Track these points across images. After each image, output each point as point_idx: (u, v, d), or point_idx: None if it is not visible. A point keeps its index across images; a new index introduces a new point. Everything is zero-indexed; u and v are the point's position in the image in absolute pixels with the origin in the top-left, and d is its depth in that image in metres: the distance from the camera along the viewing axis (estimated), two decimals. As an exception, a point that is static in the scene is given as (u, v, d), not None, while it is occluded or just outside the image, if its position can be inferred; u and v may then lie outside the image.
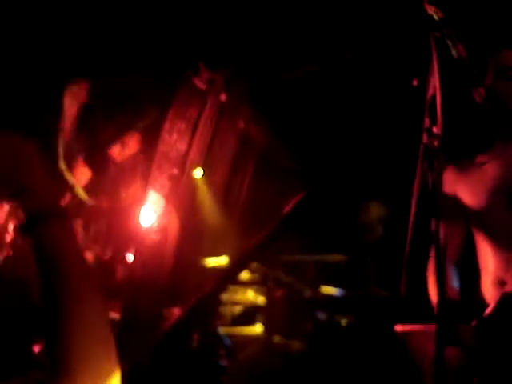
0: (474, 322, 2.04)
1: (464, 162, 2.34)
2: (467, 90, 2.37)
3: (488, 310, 2.06)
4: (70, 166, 3.16)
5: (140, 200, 2.65)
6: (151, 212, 2.51)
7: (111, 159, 3.25)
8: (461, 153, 2.36)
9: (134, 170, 3.12)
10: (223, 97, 2.45)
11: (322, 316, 4.42)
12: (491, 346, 2.00)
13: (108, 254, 2.99)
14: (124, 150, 3.22)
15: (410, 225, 1.68)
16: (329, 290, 4.55)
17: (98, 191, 3.25)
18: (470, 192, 2.26)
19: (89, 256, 2.97)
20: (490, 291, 2.16)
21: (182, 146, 2.52)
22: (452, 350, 1.98)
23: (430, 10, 1.83)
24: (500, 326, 2.00)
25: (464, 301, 2.22)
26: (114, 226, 3.06)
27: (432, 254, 2.25)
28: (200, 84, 2.51)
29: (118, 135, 3.17)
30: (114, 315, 2.89)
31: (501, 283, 2.11)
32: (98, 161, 3.25)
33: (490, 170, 2.26)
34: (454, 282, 2.23)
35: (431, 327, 1.76)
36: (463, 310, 2.16)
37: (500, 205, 2.17)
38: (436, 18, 1.83)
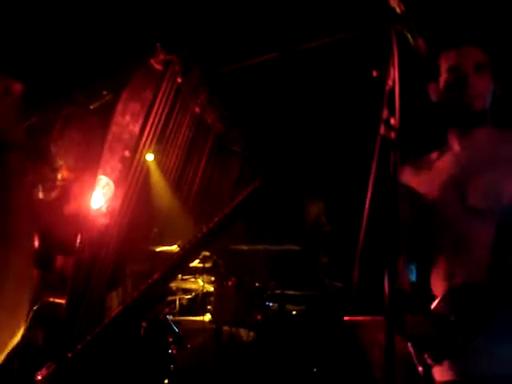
0: (421, 314, 2.09)
1: (419, 158, 2.38)
2: (424, 84, 2.39)
3: (435, 303, 2.10)
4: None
5: (89, 183, 2.57)
6: (100, 195, 2.44)
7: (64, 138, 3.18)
8: (416, 148, 2.39)
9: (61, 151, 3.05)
10: (180, 79, 2.38)
11: (272, 306, 4.42)
12: (438, 335, 2.04)
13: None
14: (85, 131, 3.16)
15: (365, 216, 1.67)
16: (280, 279, 4.56)
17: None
18: (424, 186, 2.29)
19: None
20: (439, 285, 2.20)
21: (135, 128, 2.45)
22: (401, 339, 2.01)
23: (393, 3, 1.83)
24: (444, 318, 2.04)
25: (417, 293, 2.25)
26: (51, 215, 2.99)
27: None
28: (156, 65, 2.44)
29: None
30: (60, 300, 2.82)
31: (450, 277, 2.15)
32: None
33: (442, 165, 2.30)
34: (407, 275, 2.26)
35: (379, 318, 1.78)
36: (416, 302, 2.19)
37: (451, 200, 2.20)
38: (398, 10, 1.82)
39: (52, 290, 2.93)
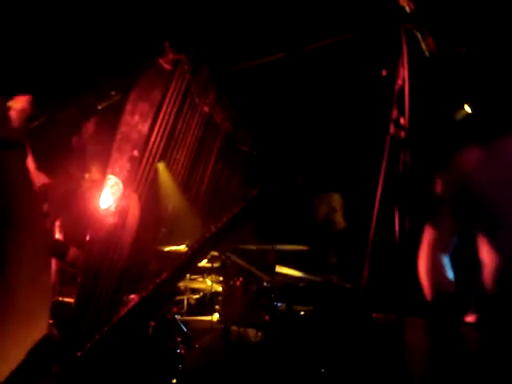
0: (470, 318, 1.99)
1: (483, 146, 2.14)
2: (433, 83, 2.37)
3: (491, 308, 1.98)
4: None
5: (99, 183, 2.58)
6: (109, 195, 2.45)
7: (84, 135, 3.20)
8: (481, 136, 2.16)
9: (93, 153, 3.07)
10: (188, 78, 2.39)
11: (280, 306, 4.41)
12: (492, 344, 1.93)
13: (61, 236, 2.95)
14: (82, 134, 3.17)
15: (375, 216, 1.67)
16: (288, 279, 4.55)
17: (58, 174, 3.20)
18: (485, 179, 2.08)
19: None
20: (492, 289, 2.03)
21: (143, 128, 2.45)
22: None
23: (402, 2, 1.82)
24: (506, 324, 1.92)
25: (460, 294, 2.08)
26: (72, 209, 3.01)
27: (424, 241, 2.19)
28: (165, 65, 2.44)
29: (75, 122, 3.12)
30: (69, 300, 2.83)
31: (504, 281, 1.98)
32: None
33: (506, 156, 2.08)
34: (448, 274, 2.10)
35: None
36: (459, 303, 2.05)
37: None
38: (408, 10, 1.82)
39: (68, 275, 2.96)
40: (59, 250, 2.94)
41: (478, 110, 2.18)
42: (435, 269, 2.10)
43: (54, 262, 3.01)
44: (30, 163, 3.16)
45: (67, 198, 3.06)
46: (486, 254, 2.04)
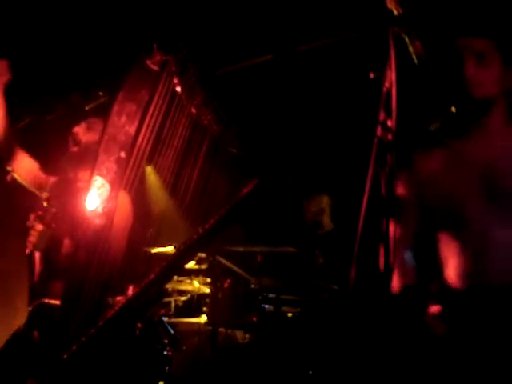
0: (433, 309, 2.07)
1: (444, 147, 2.24)
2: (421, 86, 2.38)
3: (433, 309, 2.08)
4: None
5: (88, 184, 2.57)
6: (96, 196, 2.43)
7: (73, 138, 3.19)
8: (441, 138, 2.27)
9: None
10: (176, 80, 2.38)
11: (267, 307, 4.41)
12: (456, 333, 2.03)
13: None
14: (89, 132, 3.17)
15: (361, 218, 1.67)
16: (276, 281, 4.55)
17: (55, 169, 3.21)
18: (447, 179, 2.17)
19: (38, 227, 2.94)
20: (456, 284, 2.11)
21: (130, 129, 2.44)
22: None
23: (390, 5, 1.83)
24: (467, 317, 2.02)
25: (421, 287, 2.19)
26: (64, 206, 3.01)
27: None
28: (153, 66, 2.43)
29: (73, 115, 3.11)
30: (55, 302, 2.81)
31: (469, 276, 2.07)
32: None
33: (466, 156, 2.17)
34: (411, 268, 2.20)
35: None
36: (421, 294, 2.16)
37: (476, 196, 2.09)
38: (395, 13, 1.83)
39: (55, 275, 2.96)
40: (52, 243, 2.94)
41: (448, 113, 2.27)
42: (399, 264, 2.19)
43: (37, 261, 3.00)
44: (30, 163, 3.16)
45: (64, 196, 3.06)
46: (448, 250, 2.14)
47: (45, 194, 3.07)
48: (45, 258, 3.02)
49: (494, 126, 2.16)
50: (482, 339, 1.98)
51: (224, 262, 4.66)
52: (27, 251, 2.97)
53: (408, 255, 2.22)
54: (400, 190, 2.20)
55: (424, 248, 2.24)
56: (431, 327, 2.06)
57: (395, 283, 2.15)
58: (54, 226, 2.96)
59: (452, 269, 2.14)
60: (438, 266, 2.18)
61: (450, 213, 2.14)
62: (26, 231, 3.01)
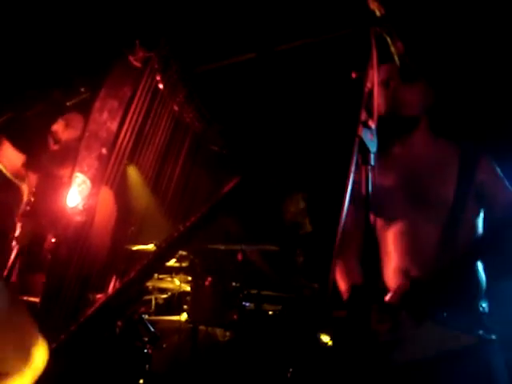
0: (374, 307, 2.17)
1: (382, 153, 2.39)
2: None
3: (388, 297, 2.18)
4: None
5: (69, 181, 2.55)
6: (76, 193, 2.42)
7: (53, 136, 3.18)
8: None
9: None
10: (158, 77, 2.37)
11: (248, 305, 4.42)
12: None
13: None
14: (68, 129, 3.15)
15: (342, 217, 1.68)
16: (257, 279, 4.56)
17: (37, 165, 3.19)
18: (377, 186, 2.27)
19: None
20: (391, 279, 2.29)
21: (112, 126, 2.42)
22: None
23: (373, 6, 1.85)
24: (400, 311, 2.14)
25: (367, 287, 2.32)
26: (46, 202, 3.00)
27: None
28: (135, 62, 2.42)
29: (53, 111, 3.09)
30: (34, 299, 2.79)
31: (402, 273, 2.21)
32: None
33: (393, 165, 2.40)
34: (356, 271, 2.38)
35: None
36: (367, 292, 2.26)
37: (403, 199, 2.32)
38: (378, 13, 1.84)
39: (33, 270, 2.94)
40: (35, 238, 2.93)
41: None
42: (345, 268, 2.40)
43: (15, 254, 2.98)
44: (15, 154, 3.14)
45: (47, 192, 3.05)
46: (383, 249, 2.36)
47: (31, 189, 3.07)
48: (26, 252, 3.01)
49: (418, 139, 2.39)
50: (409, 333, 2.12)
51: (204, 260, 4.66)
52: (15, 246, 2.97)
53: (353, 261, 2.41)
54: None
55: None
56: (374, 323, 2.16)
57: (342, 288, 2.35)
58: (37, 221, 2.95)
59: (386, 267, 2.33)
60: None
61: (382, 217, 2.36)
62: (11, 226, 3.00)
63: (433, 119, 2.44)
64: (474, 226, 2.30)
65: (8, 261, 3.00)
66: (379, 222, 2.39)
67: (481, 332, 2.15)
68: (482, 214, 2.32)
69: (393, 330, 2.14)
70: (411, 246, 2.27)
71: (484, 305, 2.23)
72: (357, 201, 2.31)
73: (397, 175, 2.37)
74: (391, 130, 2.41)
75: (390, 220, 2.35)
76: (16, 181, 3.19)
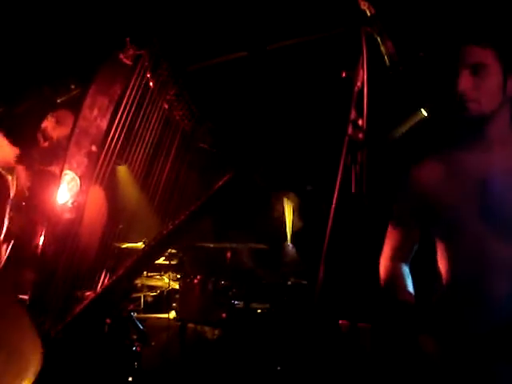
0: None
1: (442, 159, 2.11)
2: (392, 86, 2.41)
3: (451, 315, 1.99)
4: None
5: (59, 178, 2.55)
6: (66, 190, 2.42)
7: (43, 133, 3.16)
8: (439, 147, 2.15)
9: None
10: (149, 74, 2.37)
11: (237, 303, 4.43)
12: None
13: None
14: (58, 126, 3.14)
15: (331, 216, 1.69)
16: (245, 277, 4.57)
17: (26, 160, 3.18)
18: (444, 192, 2.05)
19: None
20: (450, 295, 2.03)
21: (102, 123, 2.42)
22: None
23: (364, 6, 1.85)
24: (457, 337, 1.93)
25: (419, 302, 2.09)
26: (35, 200, 2.99)
27: (385, 250, 2.21)
28: (126, 60, 2.42)
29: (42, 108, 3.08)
30: (23, 297, 2.78)
31: (463, 289, 1.98)
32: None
33: (464, 169, 2.04)
34: (408, 283, 2.13)
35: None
36: (418, 311, 2.06)
37: (470, 212, 1.98)
38: (368, 13, 1.84)
39: (22, 266, 2.93)
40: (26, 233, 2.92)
41: (434, 120, 2.21)
42: (395, 278, 2.14)
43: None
44: (7, 147, 3.13)
45: (38, 188, 3.04)
46: (444, 264, 2.05)
47: (24, 184, 3.06)
48: (16, 248, 3.00)
49: (494, 137, 2.00)
50: (476, 358, 1.89)
51: (194, 257, 4.66)
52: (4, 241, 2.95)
53: (404, 269, 2.17)
54: (398, 201, 2.17)
55: (423, 262, 2.20)
56: (423, 345, 1.98)
57: (390, 297, 2.11)
58: (28, 216, 2.94)
59: (446, 281, 2.04)
60: (436, 282, 2.09)
61: (446, 225, 2.04)
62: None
63: None
64: None
65: None
66: (441, 232, 2.07)
67: None
68: None
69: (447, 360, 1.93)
70: (479, 267, 1.94)
71: None
72: (408, 203, 2.10)
73: (468, 180, 1.99)
74: (459, 126, 2.06)
75: (454, 232, 2.01)
76: (3, 171, 3.17)
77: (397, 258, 2.17)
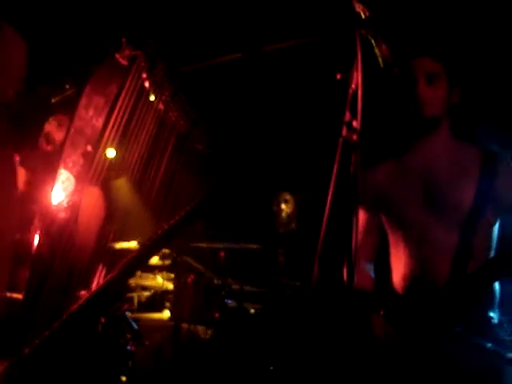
0: (382, 312, 2.16)
1: (391, 160, 2.44)
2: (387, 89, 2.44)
3: (395, 302, 2.18)
4: None
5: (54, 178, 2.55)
6: (60, 190, 2.42)
7: (46, 137, 3.17)
8: (389, 151, 2.47)
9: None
10: (145, 75, 2.38)
11: (230, 303, 4.43)
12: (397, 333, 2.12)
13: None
14: (61, 129, 3.14)
15: (325, 217, 1.70)
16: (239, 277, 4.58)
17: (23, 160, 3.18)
18: (392, 189, 2.35)
19: None
20: (400, 285, 2.27)
21: (98, 123, 2.43)
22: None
23: (358, 8, 1.86)
24: (405, 316, 2.11)
25: (377, 293, 2.33)
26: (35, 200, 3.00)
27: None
28: (122, 60, 2.43)
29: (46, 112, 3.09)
30: (17, 296, 2.78)
31: (414, 279, 2.21)
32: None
33: (410, 167, 2.36)
34: (368, 278, 2.36)
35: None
36: (375, 301, 2.26)
37: (418, 202, 2.27)
38: (363, 16, 1.86)
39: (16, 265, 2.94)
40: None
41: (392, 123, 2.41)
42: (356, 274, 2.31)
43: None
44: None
45: (40, 189, 3.04)
46: (394, 255, 2.34)
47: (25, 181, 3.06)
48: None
49: (438, 141, 2.31)
50: (422, 339, 2.07)
51: (188, 258, 4.67)
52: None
53: (366, 266, 2.39)
54: (360, 203, 2.29)
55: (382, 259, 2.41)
56: (375, 328, 2.17)
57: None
58: (25, 215, 2.95)
59: (397, 271, 2.31)
60: (387, 271, 2.35)
61: (395, 220, 2.33)
62: None
63: (455, 120, 2.36)
64: (490, 235, 2.21)
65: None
66: (391, 225, 2.35)
67: (493, 347, 2.05)
68: (497, 223, 2.22)
69: (396, 339, 2.10)
70: (424, 252, 2.22)
71: (495, 316, 2.16)
72: (367, 205, 2.38)
73: (413, 177, 2.31)
74: (410, 129, 2.35)
75: (402, 223, 2.30)
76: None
77: (358, 256, 2.30)
